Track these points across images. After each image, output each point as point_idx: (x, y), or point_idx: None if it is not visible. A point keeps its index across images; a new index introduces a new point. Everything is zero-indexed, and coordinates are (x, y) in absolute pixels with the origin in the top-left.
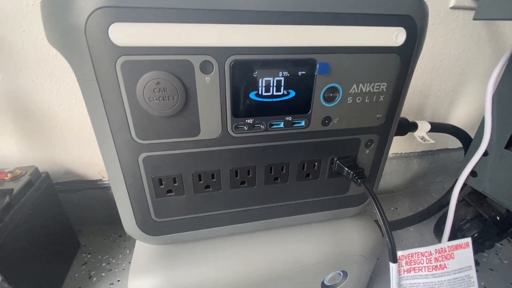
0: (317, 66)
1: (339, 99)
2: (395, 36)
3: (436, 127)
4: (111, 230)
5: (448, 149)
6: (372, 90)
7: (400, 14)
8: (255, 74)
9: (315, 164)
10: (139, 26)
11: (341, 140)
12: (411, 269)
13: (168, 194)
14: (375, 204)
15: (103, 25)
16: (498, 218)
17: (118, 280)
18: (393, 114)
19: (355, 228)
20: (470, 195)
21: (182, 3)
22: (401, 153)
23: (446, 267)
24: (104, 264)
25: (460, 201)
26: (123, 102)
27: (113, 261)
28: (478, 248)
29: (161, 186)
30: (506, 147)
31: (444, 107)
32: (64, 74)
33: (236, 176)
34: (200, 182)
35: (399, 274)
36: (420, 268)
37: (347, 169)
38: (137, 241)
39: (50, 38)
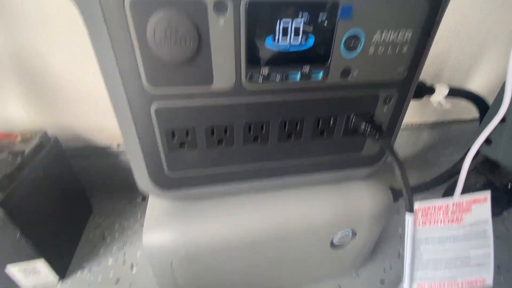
0: (340, 8)
1: (360, 48)
2: None
3: (454, 92)
4: (122, 196)
5: (461, 120)
6: (396, 39)
7: None
8: (272, 17)
9: (330, 121)
10: None
11: (359, 95)
12: (427, 221)
13: (180, 148)
14: (393, 157)
15: None
16: (510, 185)
17: (131, 241)
18: (415, 69)
19: (367, 189)
20: (482, 164)
21: None
22: (412, 124)
23: (462, 220)
24: (116, 227)
25: (471, 168)
26: (133, 45)
27: (126, 224)
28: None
29: (174, 139)
30: None
31: (462, 73)
32: (68, 34)
33: (249, 131)
34: (212, 136)
35: (415, 227)
36: (436, 221)
37: (364, 124)
38: (149, 198)
39: None
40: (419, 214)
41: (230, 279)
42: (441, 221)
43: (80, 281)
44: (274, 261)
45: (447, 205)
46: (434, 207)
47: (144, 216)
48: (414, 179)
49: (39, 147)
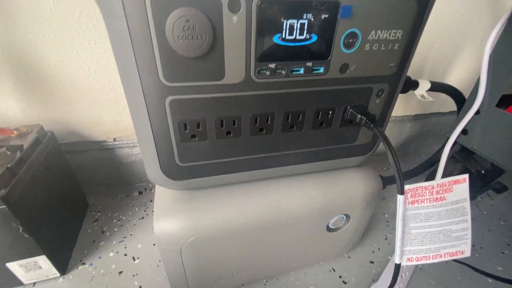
0: (340, 8)
1: (357, 45)
2: None
3: (435, 87)
4: (118, 190)
5: (440, 113)
6: (388, 37)
7: None
8: (280, 15)
9: (329, 112)
10: None
11: (355, 88)
12: (415, 201)
13: (192, 139)
14: (386, 144)
15: None
16: (483, 172)
17: (131, 234)
18: (404, 64)
19: (359, 176)
20: (459, 153)
21: None
22: (396, 116)
23: (445, 199)
24: (115, 221)
25: (449, 157)
26: (151, 41)
27: (123, 217)
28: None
29: (186, 131)
30: (497, 106)
31: (442, 68)
32: (63, 27)
33: (256, 123)
34: (222, 127)
35: (405, 206)
36: (423, 200)
37: (360, 115)
38: (156, 188)
39: None
40: (409, 194)
41: (235, 263)
42: (427, 200)
43: (83, 274)
44: (276, 246)
45: (433, 186)
46: (422, 187)
47: (142, 209)
48: (388, 156)
49: (36, 142)
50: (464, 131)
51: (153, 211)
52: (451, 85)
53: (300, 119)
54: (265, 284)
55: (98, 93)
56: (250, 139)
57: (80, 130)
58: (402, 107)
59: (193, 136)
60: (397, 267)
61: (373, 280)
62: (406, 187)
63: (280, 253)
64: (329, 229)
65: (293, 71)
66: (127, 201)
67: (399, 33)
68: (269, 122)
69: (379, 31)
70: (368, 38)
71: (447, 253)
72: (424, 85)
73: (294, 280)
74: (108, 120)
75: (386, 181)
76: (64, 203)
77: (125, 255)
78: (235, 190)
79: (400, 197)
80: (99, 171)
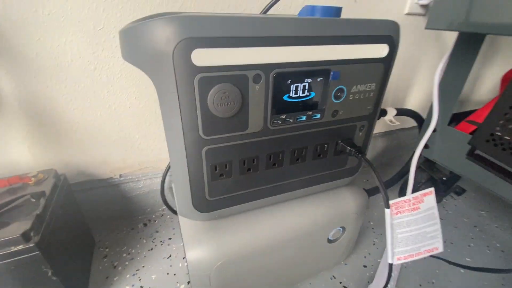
0: (331, 73)
1: (344, 97)
2: (381, 50)
3: (400, 112)
4: (122, 224)
5: (405, 128)
6: (365, 89)
7: (385, 35)
8: (289, 82)
9: (325, 146)
10: (213, 51)
11: (343, 127)
12: (398, 212)
13: (220, 177)
14: (373, 170)
15: (188, 51)
16: (444, 178)
17: (143, 266)
18: (378, 105)
19: (349, 193)
20: (424, 163)
21: (242, 32)
22: None
23: (419, 208)
24: (124, 255)
25: (417, 168)
26: (196, 107)
27: (132, 251)
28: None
29: (216, 171)
30: (449, 124)
31: (402, 94)
32: (79, 79)
33: (270, 159)
34: (244, 166)
35: (391, 216)
36: (404, 210)
37: (349, 147)
38: (181, 222)
39: (130, 58)
40: (393, 207)
41: (254, 281)
42: (407, 210)
43: None
44: (288, 261)
45: (409, 199)
46: (402, 201)
47: (149, 240)
48: (375, 180)
49: (55, 187)
50: (426, 146)
51: (160, 241)
52: (411, 109)
53: (303, 153)
54: None
55: (107, 135)
56: (265, 173)
57: (88, 169)
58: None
59: (221, 175)
60: (390, 266)
61: (368, 282)
62: (390, 202)
63: (291, 267)
64: (329, 241)
65: (298, 119)
66: (133, 234)
67: (373, 85)
68: (280, 158)
69: (359, 85)
70: (351, 91)
71: (426, 250)
72: (391, 112)
73: None
74: (116, 159)
75: (369, 193)
76: (76, 242)
77: (141, 287)
78: (251, 216)
79: (387, 211)
80: (104, 207)
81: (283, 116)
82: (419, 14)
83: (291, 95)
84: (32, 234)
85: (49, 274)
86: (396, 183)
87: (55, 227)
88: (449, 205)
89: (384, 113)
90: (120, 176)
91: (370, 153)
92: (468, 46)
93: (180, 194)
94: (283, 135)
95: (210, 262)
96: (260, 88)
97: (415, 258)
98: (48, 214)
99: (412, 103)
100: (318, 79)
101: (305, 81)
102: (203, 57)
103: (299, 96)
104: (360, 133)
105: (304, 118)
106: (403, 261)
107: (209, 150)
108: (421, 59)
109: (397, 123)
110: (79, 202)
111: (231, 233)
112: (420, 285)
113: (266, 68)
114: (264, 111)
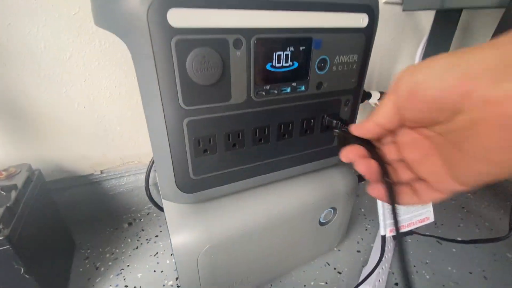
0: (313, 42)
1: (327, 67)
2: (361, 20)
3: (384, 95)
4: (105, 224)
5: None
6: (348, 60)
7: (365, 4)
8: (271, 49)
9: (311, 121)
10: (190, 11)
11: (329, 100)
12: None
13: (204, 153)
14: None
15: (163, 10)
16: None
17: (128, 265)
18: (362, 79)
19: (339, 174)
20: None
21: None
22: None
23: None
24: (107, 255)
25: None
26: (174, 73)
27: (116, 250)
28: None
29: (199, 146)
30: None
31: (385, 80)
32: (53, 67)
33: (256, 134)
34: (229, 141)
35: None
36: None
37: (335, 121)
38: (165, 207)
39: (103, 23)
40: None
41: (244, 267)
42: None
43: None
44: (279, 246)
45: None
46: None
47: (134, 239)
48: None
49: (28, 181)
50: None
51: (147, 239)
52: None
53: (290, 128)
54: (270, 286)
55: (86, 127)
56: (252, 149)
57: (66, 165)
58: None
59: (205, 150)
60: (383, 238)
61: (363, 266)
62: None
63: (282, 253)
64: (321, 223)
65: (283, 90)
66: (117, 233)
67: (355, 56)
68: (266, 133)
69: (341, 56)
70: (334, 62)
71: (418, 220)
72: (375, 95)
73: (295, 279)
74: (96, 154)
75: (359, 178)
76: (54, 243)
77: (126, 286)
78: (239, 198)
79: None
80: (84, 206)
81: (267, 87)
82: (397, 3)
83: (274, 64)
84: (1, 226)
85: (22, 271)
86: None
87: (28, 222)
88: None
89: (368, 96)
90: (101, 172)
91: None
92: (445, 25)
93: (163, 173)
94: (268, 107)
95: (197, 246)
96: (241, 54)
97: (407, 228)
98: (20, 208)
99: None
100: (301, 48)
101: (288, 50)
102: (180, 17)
103: (282, 65)
104: (346, 108)
105: (288, 90)
106: (394, 232)
107: (190, 122)
108: (401, 46)
109: None
110: (57, 201)
111: (218, 216)
112: (414, 266)
113: (247, 32)
114: (247, 80)
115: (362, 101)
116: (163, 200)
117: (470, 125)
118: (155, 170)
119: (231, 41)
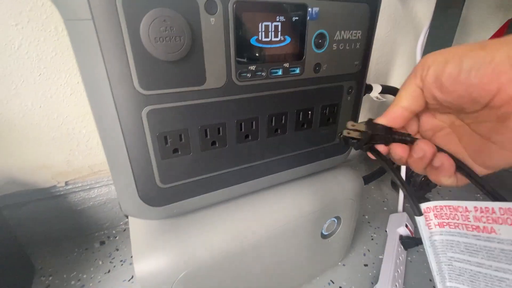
0: (309, 10)
1: (326, 45)
2: None
3: (385, 89)
4: (73, 244)
5: None
6: (351, 37)
7: None
8: (256, 17)
9: (309, 112)
10: None
11: (328, 87)
12: (444, 223)
13: (174, 154)
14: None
15: None
16: None
17: None
18: (366, 62)
19: (342, 176)
20: None
21: None
22: None
23: (495, 231)
24: (73, 282)
25: None
26: (124, 45)
27: (84, 276)
28: (426, 189)
29: (167, 145)
30: None
31: (384, 74)
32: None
33: (241, 129)
34: (206, 137)
35: (429, 229)
36: (457, 224)
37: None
38: (131, 224)
39: None
40: (431, 214)
41: None
42: (462, 226)
43: None
44: (273, 264)
45: (466, 208)
46: (448, 207)
47: (107, 261)
48: (363, 172)
49: None
50: None
51: (121, 261)
52: (396, 87)
53: (283, 121)
54: None
55: (44, 130)
56: (236, 148)
57: (21, 177)
58: (362, 113)
59: (175, 150)
60: None
61: (372, 282)
62: (423, 205)
63: (278, 272)
64: (323, 235)
65: (272, 72)
66: (87, 255)
67: (359, 33)
68: (254, 127)
69: (342, 32)
70: (335, 38)
71: None
72: (376, 88)
73: None
74: (58, 162)
75: (368, 179)
76: (7, 269)
77: None
78: (222, 211)
79: (419, 219)
80: (46, 224)
81: (252, 67)
82: None
83: (260, 38)
84: None
85: None
86: (386, 172)
87: None
88: (444, 191)
89: (370, 88)
90: (66, 183)
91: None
92: (448, 12)
93: (120, 181)
94: (255, 94)
95: (170, 274)
96: (217, 22)
97: None
98: None
99: (394, 83)
100: (293, 18)
101: (277, 19)
102: None
103: (271, 40)
104: (349, 97)
105: (279, 72)
106: None
107: (152, 112)
108: (398, 39)
109: (383, 99)
110: (10, 219)
111: (196, 234)
112: (430, 280)
113: None
114: (226, 57)
115: (364, 94)
116: (129, 217)
117: (501, 119)
118: None
119: (202, 3)
